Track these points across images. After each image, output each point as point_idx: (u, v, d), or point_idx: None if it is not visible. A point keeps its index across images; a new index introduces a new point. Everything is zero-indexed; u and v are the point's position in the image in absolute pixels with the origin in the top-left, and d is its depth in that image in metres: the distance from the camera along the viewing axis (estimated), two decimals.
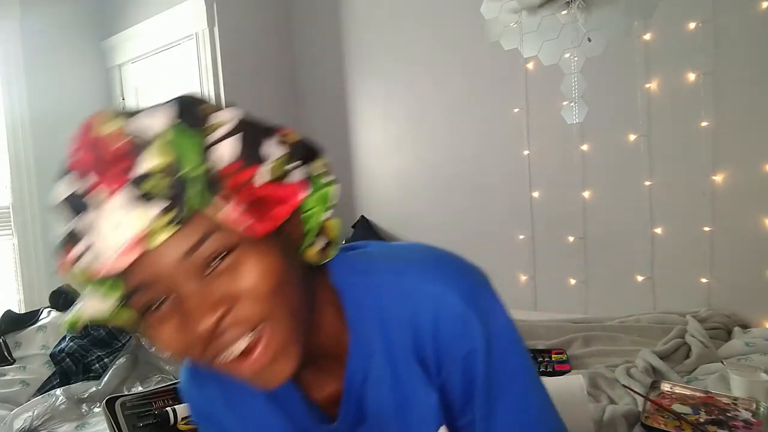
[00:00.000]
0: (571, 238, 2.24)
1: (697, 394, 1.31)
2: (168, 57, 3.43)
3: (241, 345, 0.47)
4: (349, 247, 0.63)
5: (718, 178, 1.90)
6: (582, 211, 2.21)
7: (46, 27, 3.51)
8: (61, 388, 1.87)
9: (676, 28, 1.95)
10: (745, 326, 1.80)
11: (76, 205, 0.45)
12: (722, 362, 1.53)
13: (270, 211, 0.46)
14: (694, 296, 1.94)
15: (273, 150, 0.48)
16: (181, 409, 1.45)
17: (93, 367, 2.04)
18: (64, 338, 2.16)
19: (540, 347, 1.78)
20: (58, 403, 1.74)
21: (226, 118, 0.47)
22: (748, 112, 1.83)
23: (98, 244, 0.43)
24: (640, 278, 2.06)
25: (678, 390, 1.34)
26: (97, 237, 0.43)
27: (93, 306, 0.47)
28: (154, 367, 2.00)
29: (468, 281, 0.56)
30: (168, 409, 1.44)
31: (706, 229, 1.93)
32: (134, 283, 0.45)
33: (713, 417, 1.19)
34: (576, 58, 2.20)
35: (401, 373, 0.57)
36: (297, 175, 0.49)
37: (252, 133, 0.48)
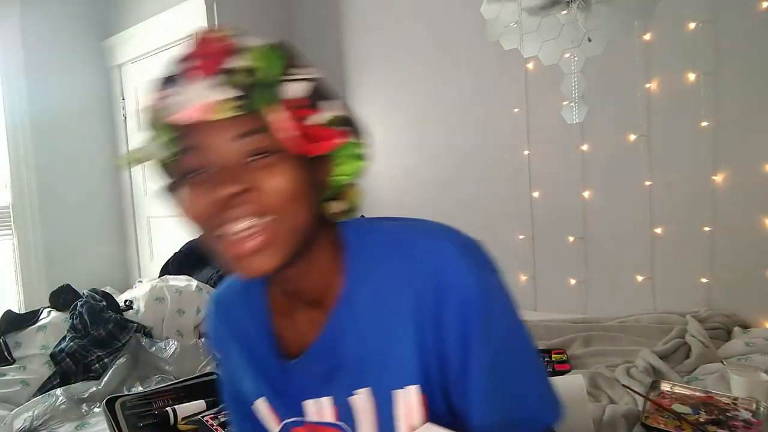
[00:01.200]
0: (571, 238, 2.24)
1: (697, 394, 1.31)
2: (168, 57, 3.42)
3: (244, 224, 0.54)
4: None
5: (718, 178, 1.90)
6: (582, 211, 2.21)
7: (46, 26, 3.51)
8: (61, 388, 1.87)
9: (676, 28, 1.95)
10: (745, 326, 1.80)
11: (175, 76, 0.56)
12: (722, 362, 1.53)
13: (312, 142, 0.56)
14: (694, 296, 1.94)
15: (337, 109, 0.58)
16: (181, 409, 1.45)
17: (93, 367, 2.03)
18: (64, 338, 2.16)
19: (540, 347, 1.78)
20: (58, 403, 1.74)
21: (311, 70, 0.57)
22: (748, 112, 1.83)
23: (180, 99, 0.53)
24: (640, 278, 2.06)
25: (678, 390, 1.34)
26: (182, 95, 0.53)
27: (150, 150, 0.56)
28: (154, 367, 2.00)
29: (468, 239, 0.62)
30: (168, 409, 1.44)
31: (706, 229, 1.93)
32: (189, 143, 0.54)
33: (713, 417, 1.19)
34: (576, 58, 2.20)
35: (388, 327, 0.59)
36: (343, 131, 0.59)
37: (324, 89, 0.58)
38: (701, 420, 1.19)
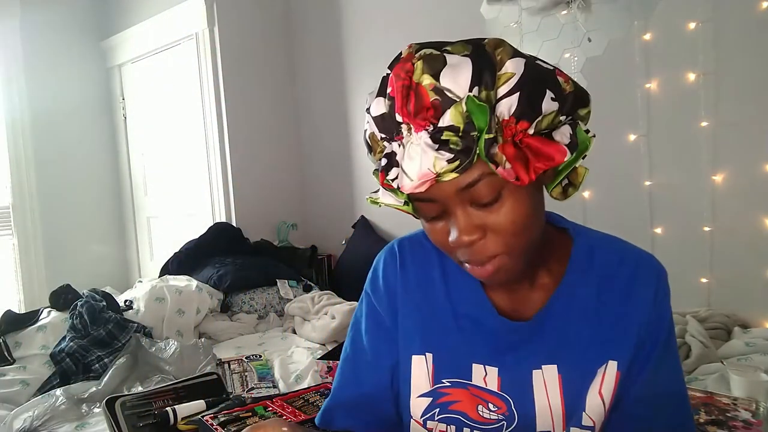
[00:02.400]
0: None
1: (697, 394, 1.31)
2: (168, 57, 3.43)
3: (481, 261, 0.60)
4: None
5: (718, 178, 1.90)
6: (582, 211, 2.21)
7: (46, 27, 3.51)
8: (61, 388, 1.87)
9: (676, 28, 1.95)
10: (745, 326, 1.80)
11: (386, 127, 0.58)
12: (722, 362, 1.53)
13: (535, 164, 0.55)
14: (694, 296, 1.94)
15: (548, 106, 0.55)
16: (181, 409, 1.45)
17: (93, 367, 2.04)
18: (64, 338, 2.16)
19: None
20: (58, 403, 1.74)
21: (513, 71, 0.54)
22: (748, 112, 1.83)
23: (404, 171, 0.57)
24: None
25: None
26: (403, 164, 0.57)
27: (389, 199, 0.62)
28: (154, 367, 2.00)
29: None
30: (168, 409, 1.44)
31: (706, 229, 1.93)
32: (422, 197, 0.59)
33: (713, 417, 1.19)
34: (576, 58, 2.20)
35: (606, 315, 0.67)
36: (564, 134, 0.57)
37: (533, 90, 0.54)
38: (701, 420, 1.19)
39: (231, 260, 2.81)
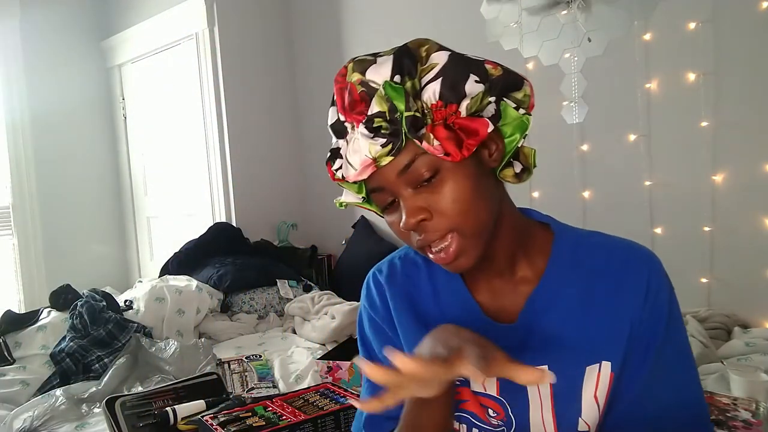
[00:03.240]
0: None
1: None
2: (168, 57, 3.43)
3: (435, 244, 0.63)
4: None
5: (718, 178, 1.90)
6: (582, 211, 2.21)
7: (45, 27, 3.51)
8: (61, 388, 1.87)
9: (676, 28, 1.95)
10: (745, 326, 1.80)
11: (337, 129, 0.65)
12: (722, 362, 1.53)
13: (467, 141, 0.59)
14: (694, 296, 1.94)
15: (472, 88, 0.59)
16: (181, 409, 1.46)
17: (93, 367, 2.04)
18: (64, 338, 2.16)
19: None
20: (58, 403, 1.74)
21: (437, 60, 0.60)
22: (748, 112, 1.83)
23: (347, 163, 0.63)
24: None
25: None
26: (346, 157, 0.63)
27: (350, 197, 0.67)
28: (154, 367, 2.00)
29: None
30: (168, 409, 1.45)
31: (706, 229, 1.93)
32: (371, 187, 0.64)
33: (713, 417, 1.19)
34: (576, 58, 2.20)
35: (595, 310, 0.65)
36: (491, 109, 0.60)
37: (455, 74, 0.59)
38: None
39: (231, 260, 2.81)
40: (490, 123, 0.59)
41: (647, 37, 2.03)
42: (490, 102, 0.60)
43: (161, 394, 1.56)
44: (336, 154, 0.65)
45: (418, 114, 0.58)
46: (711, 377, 1.47)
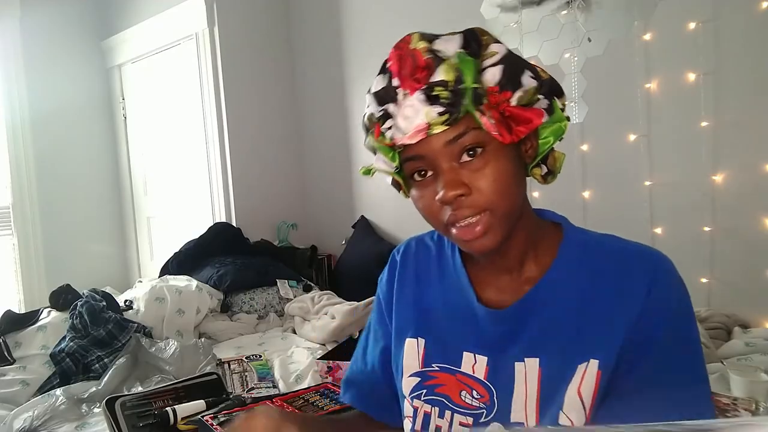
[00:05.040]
0: None
1: None
2: (168, 57, 3.43)
3: (465, 221, 0.64)
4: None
5: (718, 178, 1.90)
6: (582, 211, 2.21)
7: (46, 27, 3.51)
8: (61, 388, 1.87)
9: (676, 28, 1.95)
10: (745, 326, 1.80)
11: (384, 96, 0.65)
12: (722, 362, 1.53)
13: (515, 127, 0.62)
14: (694, 296, 1.91)
15: (527, 81, 0.63)
16: (181, 409, 1.46)
17: (93, 367, 2.04)
18: (64, 338, 2.16)
19: None
20: (58, 403, 1.74)
21: (497, 50, 0.63)
22: (748, 112, 1.83)
23: (398, 125, 0.63)
24: None
25: None
26: (397, 120, 0.63)
27: (381, 164, 0.68)
28: (154, 367, 2.00)
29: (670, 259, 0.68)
30: (168, 409, 1.45)
31: (706, 229, 1.93)
32: (411, 155, 0.64)
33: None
34: (576, 58, 2.20)
35: (592, 308, 0.66)
36: (541, 105, 0.64)
37: (514, 65, 0.63)
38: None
39: (231, 260, 2.81)
40: (545, 113, 0.63)
41: (647, 37, 2.03)
42: (539, 98, 0.64)
43: (161, 394, 1.56)
44: (386, 115, 0.65)
45: (480, 90, 0.60)
46: (711, 377, 1.47)
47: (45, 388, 1.97)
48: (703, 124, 1.90)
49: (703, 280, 1.93)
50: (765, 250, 1.82)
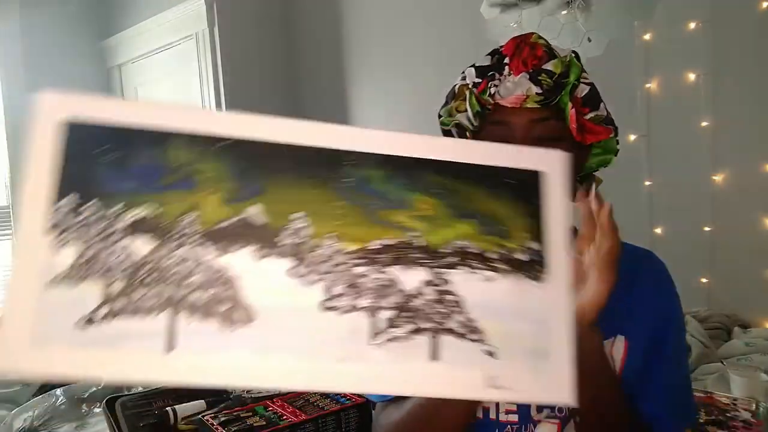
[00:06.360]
0: None
1: (697, 394, 1.31)
2: (168, 57, 3.43)
3: None
4: None
5: (718, 178, 1.90)
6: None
7: (46, 26, 3.51)
8: (61, 388, 1.86)
9: (676, 28, 1.95)
10: (745, 326, 1.80)
11: (490, 70, 0.74)
12: (722, 362, 1.53)
13: (588, 136, 0.73)
14: (694, 296, 1.94)
15: (602, 109, 0.74)
16: (181, 409, 1.45)
17: None
18: None
19: None
20: (58, 403, 1.74)
21: (587, 76, 0.74)
22: (748, 112, 1.83)
23: (504, 87, 0.72)
24: None
25: None
26: (504, 84, 0.72)
27: (465, 120, 0.76)
28: None
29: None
30: (168, 409, 1.44)
31: (706, 229, 1.93)
32: (499, 119, 0.72)
33: (713, 417, 1.19)
34: None
35: (622, 293, 0.70)
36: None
37: (596, 92, 0.74)
38: (701, 421, 1.19)
39: None
40: (613, 130, 0.74)
41: (647, 37, 2.03)
42: (609, 126, 0.74)
43: (161, 394, 1.55)
44: (493, 78, 0.73)
45: (576, 90, 0.71)
46: (711, 377, 1.47)
47: (45, 388, 1.97)
48: (703, 124, 1.90)
49: (703, 280, 1.93)
50: (765, 250, 1.82)
